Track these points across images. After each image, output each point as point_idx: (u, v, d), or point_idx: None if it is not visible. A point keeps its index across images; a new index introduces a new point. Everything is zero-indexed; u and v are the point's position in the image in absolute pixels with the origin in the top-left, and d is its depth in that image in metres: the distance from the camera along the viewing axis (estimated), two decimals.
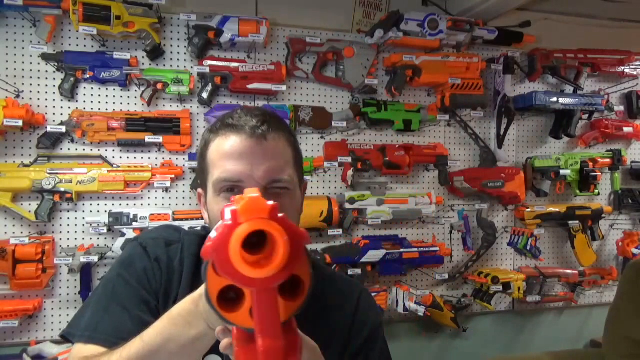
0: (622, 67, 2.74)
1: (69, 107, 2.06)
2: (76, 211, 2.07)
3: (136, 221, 2.03)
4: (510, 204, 2.59)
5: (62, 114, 2.05)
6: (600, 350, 2.16)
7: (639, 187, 2.85)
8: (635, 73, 2.79)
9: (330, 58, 2.33)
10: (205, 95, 2.15)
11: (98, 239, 2.08)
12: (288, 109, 2.23)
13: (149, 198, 2.14)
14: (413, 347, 2.47)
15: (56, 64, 2.02)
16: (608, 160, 2.74)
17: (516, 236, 2.60)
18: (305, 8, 2.34)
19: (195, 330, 0.67)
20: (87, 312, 0.88)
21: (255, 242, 0.49)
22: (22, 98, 2.00)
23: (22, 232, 2.00)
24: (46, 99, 2.04)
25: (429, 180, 2.51)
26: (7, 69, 2.00)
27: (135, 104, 2.13)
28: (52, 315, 2.04)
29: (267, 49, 2.30)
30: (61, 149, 2.05)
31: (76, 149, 2.07)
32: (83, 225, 2.06)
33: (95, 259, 1.95)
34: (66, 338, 0.88)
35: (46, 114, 2.04)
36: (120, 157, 2.12)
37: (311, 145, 2.33)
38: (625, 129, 2.76)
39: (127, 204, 2.11)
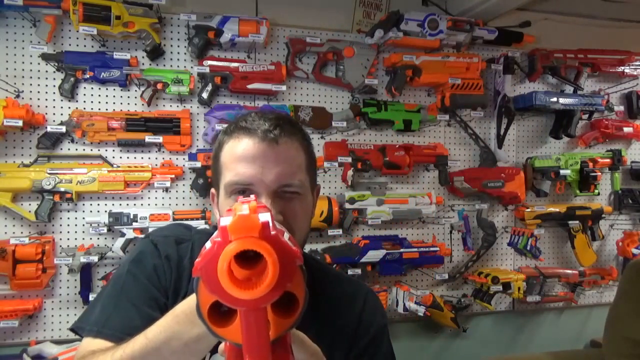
0: (622, 67, 2.74)
1: (69, 107, 2.06)
2: (76, 211, 2.07)
3: (136, 221, 2.03)
4: (510, 204, 2.59)
5: (62, 114, 2.05)
6: (600, 350, 2.16)
7: (639, 187, 2.85)
8: (635, 73, 2.79)
9: (330, 58, 2.33)
10: (205, 95, 2.15)
11: (98, 239, 2.08)
12: (288, 109, 2.23)
13: (149, 198, 2.14)
14: (413, 347, 2.47)
15: (56, 64, 2.02)
16: (608, 160, 2.74)
17: (516, 236, 2.60)
18: (305, 8, 2.34)
19: (198, 329, 0.66)
20: (96, 307, 0.88)
21: (252, 255, 0.48)
22: (22, 98, 2.00)
23: (22, 232, 2.00)
24: (46, 99, 2.04)
25: (429, 180, 2.51)
26: (7, 69, 2.00)
27: (135, 104, 2.13)
28: (52, 315, 2.04)
29: (267, 49, 2.30)
30: (61, 149, 2.06)
31: (76, 149, 2.07)
32: (83, 225, 2.06)
33: (95, 259, 1.95)
34: (75, 331, 0.88)
35: (46, 114, 2.04)
36: (120, 157, 2.12)
37: None
38: (625, 129, 2.76)
39: (127, 204, 2.11)
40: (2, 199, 1.94)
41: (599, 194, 2.72)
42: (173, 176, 2.13)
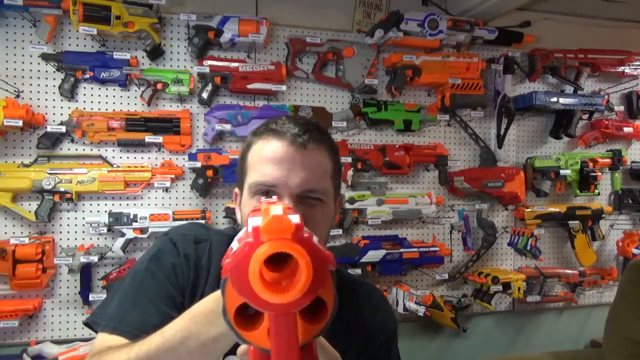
0: (622, 67, 2.74)
1: (69, 107, 2.06)
2: (76, 211, 2.07)
3: (136, 221, 2.03)
4: (510, 204, 2.59)
5: (62, 114, 2.05)
6: (600, 350, 2.17)
7: (639, 187, 2.85)
8: (635, 73, 2.79)
9: (330, 58, 2.33)
10: (205, 95, 2.15)
11: (98, 239, 2.08)
12: (288, 109, 2.23)
13: (148, 198, 2.14)
14: (413, 347, 2.47)
15: (56, 64, 2.02)
16: (608, 160, 2.74)
17: (516, 236, 2.60)
18: (305, 8, 2.34)
19: (215, 329, 0.66)
20: (112, 302, 0.88)
21: (281, 257, 0.47)
22: (22, 98, 2.00)
23: (22, 232, 2.00)
24: (46, 99, 2.04)
25: (429, 180, 2.51)
26: (7, 69, 2.00)
27: (135, 104, 2.13)
28: (52, 315, 2.04)
29: (267, 49, 2.30)
30: (61, 149, 2.06)
31: (76, 149, 2.07)
32: (83, 225, 2.06)
33: (95, 259, 1.95)
34: (90, 326, 0.88)
35: (46, 114, 2.04)
36: (120, 157, 2.12)
37: None
38: (625, 129, 2.76)
39: (127, 204, 2.11)
40: (2, 199, 1.94)
41: (599, 194, 2.72)
42: (173, 176, 2.13)
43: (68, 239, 2.06)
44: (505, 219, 2.65)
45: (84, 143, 2.07)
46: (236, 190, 0.95)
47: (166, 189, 2.15)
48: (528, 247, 2.54)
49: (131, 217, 2.03)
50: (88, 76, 2.04)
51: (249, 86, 2.17)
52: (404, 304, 2.29)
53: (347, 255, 2.24)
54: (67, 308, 2.05)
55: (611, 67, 2.72)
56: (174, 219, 2.06)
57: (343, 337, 0.86)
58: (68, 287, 2.05)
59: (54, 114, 2.05)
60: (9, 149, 2.01)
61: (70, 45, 2.07)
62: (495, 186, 2.47)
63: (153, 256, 0.92)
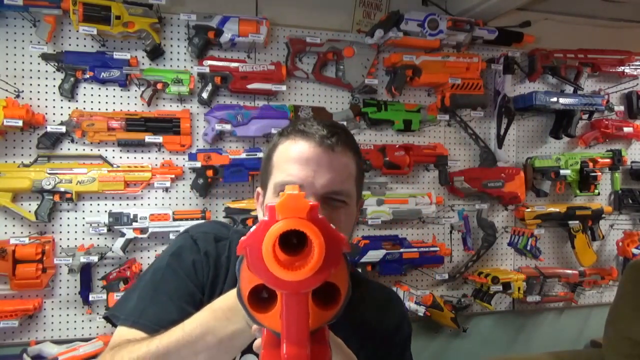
0: (622, 67, 2.74)
1: (69, 107, 2.06)
2: (76, 211, 2.07)
3: (136, 221, 2.03)
4: (510, 204, 2.59)
5: (62, 114, 2.05)
6: (600, 350, 2.17)
7: (639, 187, 2.85)
8: (635, 73, 2.79)
9: (330, 58, 2.33)
10: (205, 95, 2.15)
11: (98, 239, 2.08)
12: (288, 109, 2.23)
13: (148, 198, 2.14)
14: (413, 347, 2.46)
15: (56, 64, 2.02)
16: (608, 160, 2.74)
17: (516, 236, 2.60)
18: (305, 8, 2.34)
19: (233, 325, 0.67)
20: (133, 297, 0.89)
21: (297, 243, 0.47)
22: (22, 98, 2.00)
23: (22, 232, 2.00)
24: (46, 99, 2.04)
25: (429, 180, 2.51)
26: (7, 69, 2.00)
27: (135, 104, 2.13)
28: (52, 315, 2.04)
29: (267, 49, 2.30)
30: (61, 149, 2.05)
31: (76, 149, 2.07)
32: (83, 225, 2.06)
33: (95, 259, 1.95)
34: (109, 320, 0.89)
35: (46, 114, 2.04)
36: (120, 157, 2.12)
37: None
38: (625, 129, 2.76)
39: (127, 204, 2.11)
40: (2, 199, 1.94)
41: (599, 194, 2.72)
42: (173, 176, 2.13)
43: (68, 239, 2.06)
44: (505, 219, 2.65)
45: (84, 143, 2.07)
46: (259, 189, 0.95)
47: (166, 189, 2.15)
48: (528, 247, 2.54)
49: (131, 217, 2.03)
50: (88, 76, 2.04)
51: (249, 86, 2.17)
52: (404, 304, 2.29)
53: None
54: (67, 308, 2.05)
55: (611, 67, 2.72)
56: (174, 219, 2.06)
57: (357, 336, 0.86)
58: (68, 287, 2.05)
59: (54, 114, 2.05)
60: (9, 149, 2.01)
61: (70, 45, 2.07)
62: (495, 186, 2.47)
63: (174, 253, 0.93)
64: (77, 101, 2.07)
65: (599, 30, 2.78)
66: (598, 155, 2.72)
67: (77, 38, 2.07)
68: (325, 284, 0.49)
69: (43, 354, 1.90)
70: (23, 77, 2.02)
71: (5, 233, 1.99)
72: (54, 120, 2.04)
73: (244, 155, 2.15)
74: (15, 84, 2.00)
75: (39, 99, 2.03)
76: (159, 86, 2.09)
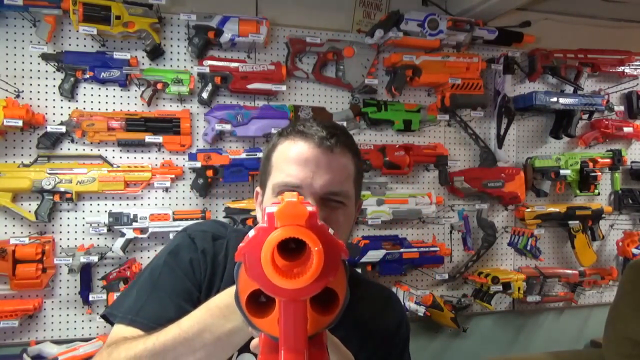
0: (622, 67, 2.74)
1: (69, 107, 2.06)
2: (76, 211, 2.07)
3: (136, 221, 2.03)
4: (510, 204, 2.59)
5: (62, 114, 2.05)
6: (600, 350, 2.16)
7: (639, 187, 2.85)
8: (635, 73, 2.79)
9: (330, 58, 2.33)
10: (205, 95, 2.15)
11: (98, 239, 2.08)
12: (288, 109, 2.23)
13: (148, 198, 2.14)
14: (413, 347, 2.45)
15: (56, 64, 2.02)
16: (608, 160, 2.74)
17: (516, 236, 2.60)
18: (305, 8, 2.34)
19: (231, 323, 0.67)
20: (130, 295, 0.89)
21: (295, 247, 0.47)
22: (22, 98, 2.00)
23: (22, 232, 2.00)
24: (46, 99, 2.04)
25: (429, 180, 2.51)
26: (7, 69, 2.00)
27: (135, 104, 2.13)
28: (52, 315, 2.04)
29: (267, 49, 2.30)
30: (61, 149, 2.05)
31: (76, 149, 2.07)
32: (83, 225, 2.06)
33: (95, 259, 1.95)
34: (106, 318, 0.89)
35: (46, 114, 2.04)
36: (120, 157, 2.11)
37: None
38: (625, 129, 2.76)
39: (127, 204, 2.11)
40: (2, 199, 1.94)
41: (599, 194, 2.72)
42: (173, 176, 2.13)
43: (68, 239, 2.06)
44: (505, 219, 2.65)
45: (84, 143, 2.07)
46: (258, 189, 0.95)
47: (166, 189, 2.15)
48: (528, 247, 2.54)
49: (131, 217, 2.03)
50: (88, 76, 2.04)
51: (249, 86, 2.17)
52: (404, 304, 2.29)
53: None
54: (67, 308, 2.05)
55: (611, 67, 2.72)
56: (174, 219, 2.06)
57: (356, 337, 0.86)
58: (68, 287, 2.05)
59: (54, 114, 2.05)
60: (9, 149, 2.01)
61: (70, 45, 2.07)
62: (495, 186, 2.47)
63: (172, 251, 0.93)
64: (77, 101, 2.07)
65: (599, 30, 2.78)
66: (598, 155, 2.72)
67: (77, 38, 2.07)
68: (324, 290, 0.49)
69: (43, 354, 1.90)
70: (23, 77, 2.02)
71: (5, 233, 1.99)
72: (54, 120, 2.04)
73: (244, 155, 2.15)
74: (15, 84, 2.00)
75: (39, 99, 2.03)
76: (159, 86, 2.09)
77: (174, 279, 0.89)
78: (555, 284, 2.64)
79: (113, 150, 2.11)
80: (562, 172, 2.58)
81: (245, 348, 0.72)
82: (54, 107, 2.05)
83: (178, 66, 2.18)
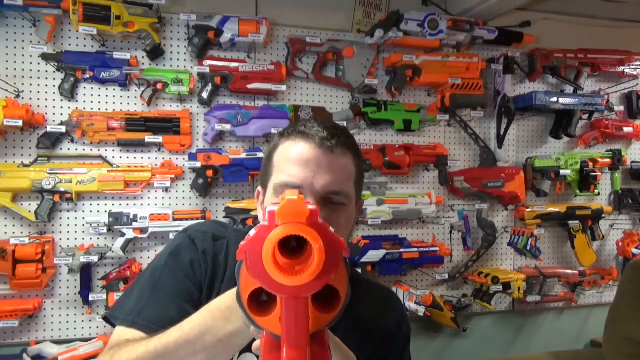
0: (622, 67, 2.74)
1: (69, 107, 2.06)
2: (76, 211, 2.07)
3: (136, 221, 2.03)
4: (510, 204, 2.59)
5: (62, 114, 2.05)
6: (600, 350, 2.16)
7: (639, 187, 2.85)
8: (635, 73, 2.79)
9: (330, 58, 2.33)
10: (205, 95, 2.15)
11: (98, 239, 2.08)
12: (288, 109, 2.23)
13: (148, 198, 2.14)
14: (413, 347, 2.46)
15: (56, 64, 2.02)
16: (608, 160, 2.74)
17: (516, 236, 2.60)
18: (305, 8, 2.34)
19: (232, 325, 0.67)
20: (131, 297, 0.89)
21: (296, 246, 0.47)
22: (22, 98, 2.00)
23: (22, 232, 2.00)
24: (46, 99, 2.04)
25: (429, 180, 2.51)
26: (7, 69, 2.00)
27: (135, 104, 2.13)
28: (52, 315, 2.04)
29: (267, 49, 2.30)
30: (61, 149, 2.05)
31: (76, 149, 2.07)
32: (83, 225, 2.06)
33: (95, 259, 1.95)
34: (108, 320, 0.89)
35: (46, 114, 2.04)
36: (120, 157, 2.11)
37: None
38: (625, 129, 2.76)
39: (127, 204, 2.11)
40: (2, 199, 1.94)
41: (599, 194, 2.72)
42: (173, 176, 2.13)
43: (68, 239, 2.06)
44: (505, 219, 2.65)
45: (84, 143, 2.07)
46: (259, 189, 0.95)
47: (166, 189, 2.15)
48: (528, 247, 2.54)
49: (131, 217, 2.03)
50: (88, 76, 2.04)
51: (249, 86, 2.17)
52: (404, 304, 2.29)
53: None
54: (67, 308, 2.05)
55: (611, 67, 2.72)
56: (174, 219, 2.06)
57: (356, 337, 0.86)
58: (68, 287, 2.05)
59: (54, 114, 2.05)
60: (9, 149, 2.00)
61: (70, 45, 2.07)
62: (495, 186, 2.47)
63: (172, 252, 0.93)
64: (77, 101, 2.07)
65: (599, 30, 2.78)
66: (598, 155, 2.72)
67: (77, 38, 2.07)
68: (325, 288, 0.49)
69: (43, 354, 1.89)
70: (23, 77, 2.02)
71: (5, 233, 1.99)
72: (54, 120, 2.04)
73: (244, 155, 2.15)
74: (15, 84, 2.00)
75: (39, 99, 2.03)
76: (159, 86, 2.09)
77: (174, 280, 0.89)
78: (555, 284, 2.64)
79: (113, 150, 2.11)
80: (562, 172, 2.58)
81: (246, 349, 0.72)
82: (54, 107, 2.05)
83: (178, 66, 2.18)
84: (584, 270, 2.68)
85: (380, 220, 2.30)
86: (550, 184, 2.63)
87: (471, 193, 2.49)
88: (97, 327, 2.07)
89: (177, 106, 2.18)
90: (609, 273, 2.73)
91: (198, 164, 2.10)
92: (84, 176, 2.00)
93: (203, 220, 2.04)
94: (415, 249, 2.32)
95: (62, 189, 1.98)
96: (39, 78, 2.03)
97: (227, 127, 2.13)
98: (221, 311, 0.69)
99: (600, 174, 2.66)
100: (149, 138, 2.07)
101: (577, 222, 2.64)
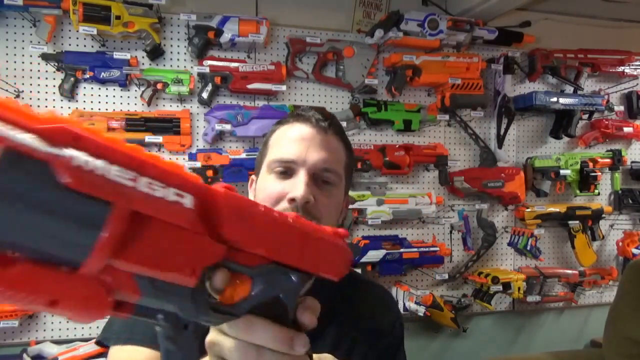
0: (622, 67, 2.74)
1: (69, 107, 2.06)
2: None
3: None
4: (510, 204, 2.59)
5: (62, 114, 2.05)
6: (600, 350, 2.16)
7: (639, 187, 2.85)
8: (635, 73, 2.79)
9: (330, 58, 2.33)
10: (205, 95, 2.15)
11: None
12: (288, 109, 2.23)
13: None
14: (413, 347, 2.47)
15: (56, 64, 2.02)
16: (608, 160, 2.74)
17: (516, 236, 2.60)
18: (305, 8, 2.34)
19: None
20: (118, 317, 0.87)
21: None
22: (22, 98, 2.00)
23: None
24: (46, 99, 2.04)
25: (429, 180, 2.51)
26: (7, 69, 2.00)
27: (135, 104, 2.13)
28: (52, 315, 2.04)
29: (267, 49, 2.30)
30: None
31: None
32: None
33: None
34: (102, 344, 0.87)
35: None
36: None
37: None
38: (625, 129, 2.76)
39: None
40: None
41: (599, 194, 2.72)
42: None
43: None
44: (505, 219, 2.65)
45: None
46: (252, 176, 0.96)
47: None
48: (528, 247, 2.54)
49: None
50: (88, 76, 2.04)
51: (249, 86, 2.17)
52: (404, 304, 2.29)
53: None
54: None
55: (611, 67, 2.72)
56: None
57: (351, 335, 0.86)
58: None
59: None
60: None
61: (70, 45, 2.07)
62: (495, 186, 2.47)
63: None
64: (77, 101, 2.07)
65: (599, 30, 2.78)
66: (598, 155, 2.72)
67: (77, 38, 2.07)
68: None
69: (43, 354, 1.89)
70: (23, 77, 2.02)
71: None
72: None
73: (244, 155, 2.15)
74: (15, 84, 2.00)
75: (39, 99, 2.03)
76: (159, 86, 2.09)
77: None
78: (555, 284, 2.64)
79: None
80: (562, 172, 2.58)
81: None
82: (54, 107, 2.05)
83: (178, 66, 2.18)
84: (584, 270, 2.68)
85: (380, 220, 2.30)
86: (550, 184, 2.63)
87: (471, 193, 2.49)
88: (97, 327, 2.07)
89: (177, 106, 2.18)
90: (609, 273, 2.73)
91: (198, 164, 2.10)
92: None
93: None
94: (415, 249, 2.32)
95: None
96: (39, 78, 2.03)
97: (227, 127, 2.13)
98: None
99: (600, 174, 2.66)
100: (149, 138, 2.07)
101: (577, 222, 2.64)
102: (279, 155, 0.86)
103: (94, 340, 1.78)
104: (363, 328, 0.95)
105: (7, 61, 2.00)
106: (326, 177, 0.86)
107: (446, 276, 2.43)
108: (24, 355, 1.87)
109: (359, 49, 2.33)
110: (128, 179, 0.30)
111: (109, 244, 0.29)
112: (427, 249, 2.34)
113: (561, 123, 2.63)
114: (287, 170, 0.86)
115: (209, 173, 2.12)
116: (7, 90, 1.97)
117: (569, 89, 2.68)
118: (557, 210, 2.62)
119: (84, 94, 2.08)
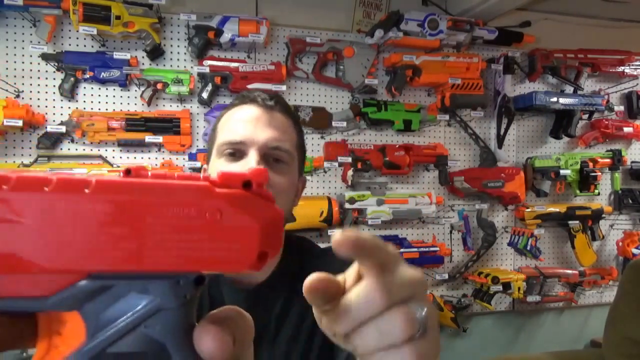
0: (622, 67, 2.74)
1: (69, 107, 2.06)
2: None
3: None
4: (510, 204, 2.59)
5: (62, 114, 2.05)
6: (600, 350, 2.16)
7: (639, 187, 2.85)
8: (635, 73, 2.79)
9: (330, 58, 2.33)
10: (205, 95, 2.15)
11: None
12: None
13: None
14: None
15: (56, 64, 2.02)
16: (608, 160, 2.73)
17: (516, 236, 2.60)
18: (305, 8, 2.34)
19: None
20: None
21: None
22: (22, 98, 2.00)
23: None
24: (46, 99, 2.04)
25: (429, 180, 2.51)
26: (7, 69, 2.00)
27: (135, 104, 2.13)
28: None
29: (267, 49, 2.30)
30: (61, 149, 2.05)
31: (76, 149, 2.07)
32: None
33: None
34: None
35: (46, 114, 2.04)
36: (120, 157, 2.12)
37: (311, 145, 2.33)
38: (625, 129, 2.76)
39: None
40: None
41: (599, 194, 2.72)
42: None
43: None
44: (505, 219, 2.65)
45: (84, 143, 2.07)
46: (205, 166, 0.95)
47: None
48: (528, 247, 2.54)
49: None
50: (88, 76, 2.04)
51: (249, 86, 2.16)
52: None
53: None
54: None
55: (611, 67, 2.72)
56: None
57: (311, 316, 0.86)
58: None
59: (54, 114, 2.05)
60: (9, 149, 2.00)
61: (70, 45, 2.07)
62: (495, 186, 2.47)
63: None
64: (77, 101, 2.07)
65: (599, 30, 2.78)
66: (598, 155, 2.72)
67: (77, 38, 2.07)
68: None
69: None
70: (23, 77, 2.02)
71: None
72: (54, 120, 2.04)
73: None
74: (15, 84, 2.00)
75: (39, 99, 2.03)
76: (159, 86, 2.09)
77: None
78: (555, 284, 2.64)
79: (113, 150, 2.11)
80: (562, 172, 2.58)
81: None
82: (54, 107, 2.05)
83: (178, 66, 2.18)
84: (584, 270, 2.68)
85: (380, 220, 2.30)
86: (550, 184, 2.63)
87: (471, 193, 2.49)
88: None
89: (177, 106, 2.18)
90: (609, 273, 2.73)
91: (198, 164, 2.10)
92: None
93: None
94: (415, 249, 2.32)
95: None
96: (39, 78, 2.03)
97: None
98: None
99: (600, 174, 2.66)
100: (149, 138, 2.07)
101: (577, 222, 2.64)
102: (227, 137, 0.85)
103: None
104: None
105: (7, 61, 2.00)
106: (277, 155, 0.85)
107: (446, 276, 2.43)
108: (24, 355, 1.87)
109: (359, 49, 2.33)
110: None
111: None
112: (427, 249, 2.34)
113: (561, 123, 2.63)
114: (236, 152, 0.85)
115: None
116: (7, 90, 1.97)
117: (569, 89, 2.68)
118: (557, 210, 2.62)
119: (84, 94, 2.08)
